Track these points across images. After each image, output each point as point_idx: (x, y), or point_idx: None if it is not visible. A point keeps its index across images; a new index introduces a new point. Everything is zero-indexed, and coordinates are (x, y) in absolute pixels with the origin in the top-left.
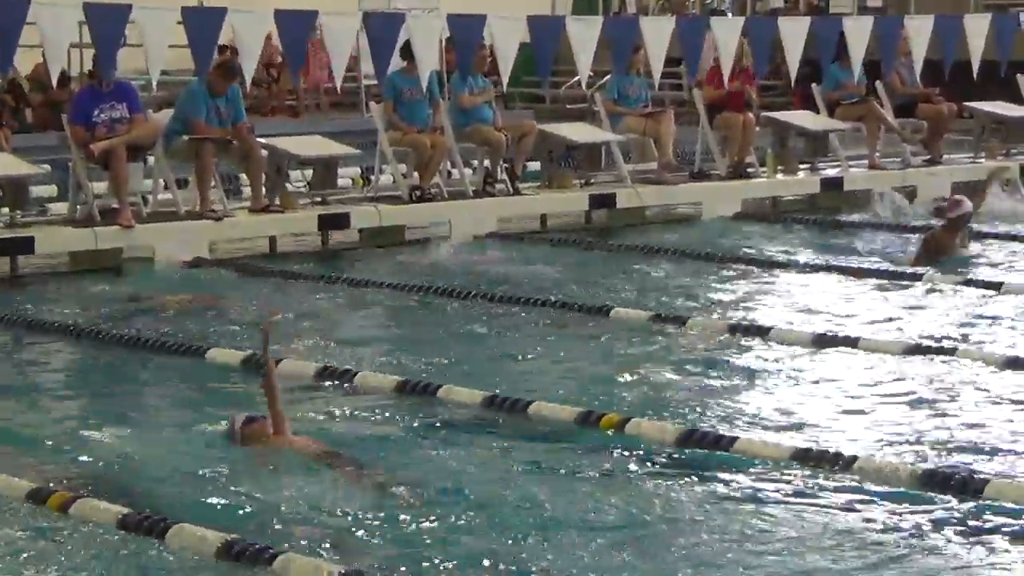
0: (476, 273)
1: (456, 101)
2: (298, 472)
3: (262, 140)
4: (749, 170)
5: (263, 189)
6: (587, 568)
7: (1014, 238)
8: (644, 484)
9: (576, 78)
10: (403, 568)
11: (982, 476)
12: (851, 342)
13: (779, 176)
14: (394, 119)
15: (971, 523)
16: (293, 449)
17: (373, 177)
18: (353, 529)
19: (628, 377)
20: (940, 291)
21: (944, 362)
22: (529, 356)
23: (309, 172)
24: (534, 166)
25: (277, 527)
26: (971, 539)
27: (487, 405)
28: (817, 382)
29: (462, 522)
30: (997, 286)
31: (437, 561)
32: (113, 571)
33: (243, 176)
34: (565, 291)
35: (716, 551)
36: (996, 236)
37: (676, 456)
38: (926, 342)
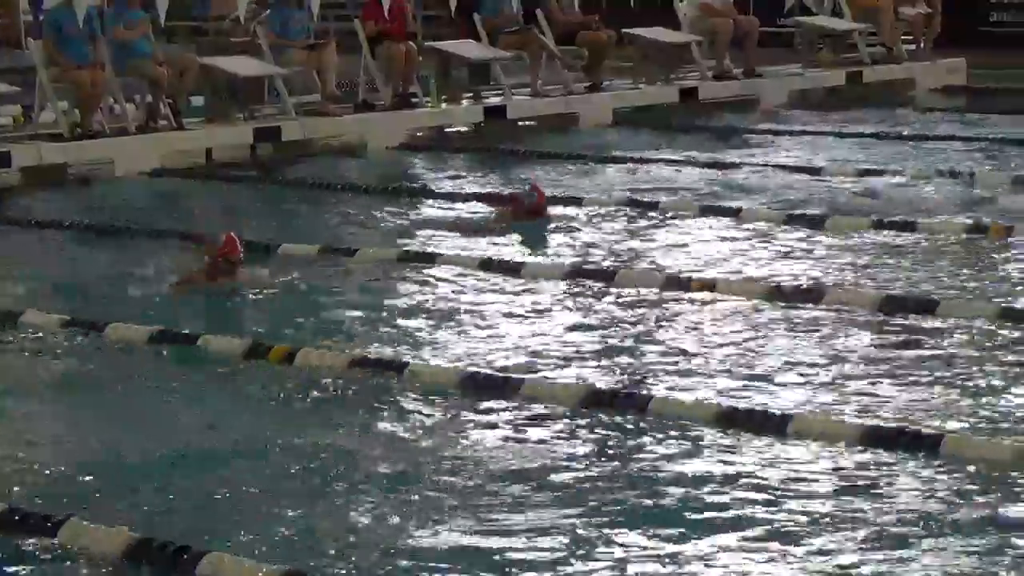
0: (140, 211)
1: (111, 35)
2: None
3: None
4: (413, 100)
5: None
6: (254, 497)
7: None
8: (314, 413)
9: (236, 12)
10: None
11: (646, 393)
12: (514, 267)
13: (443, 105)
14: (54, 55)
15: (639, 439)
16: None
17: (34, 115)
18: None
19: (297, 309)
20: (601, 216)
21: (605, 285)
22: (197, 293)
23: None
24: (200, 100)
25: None
26: (638, 455)
27: (155, 341)
28: (485, 306)
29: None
30: (654, 206)
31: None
32: None
33: None
34: (231, 227)
35: (390, 475)
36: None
37: (347, 383)
38: (587, 266)
